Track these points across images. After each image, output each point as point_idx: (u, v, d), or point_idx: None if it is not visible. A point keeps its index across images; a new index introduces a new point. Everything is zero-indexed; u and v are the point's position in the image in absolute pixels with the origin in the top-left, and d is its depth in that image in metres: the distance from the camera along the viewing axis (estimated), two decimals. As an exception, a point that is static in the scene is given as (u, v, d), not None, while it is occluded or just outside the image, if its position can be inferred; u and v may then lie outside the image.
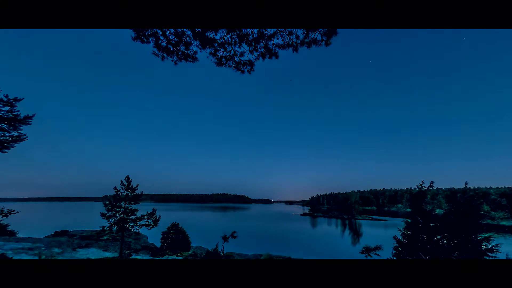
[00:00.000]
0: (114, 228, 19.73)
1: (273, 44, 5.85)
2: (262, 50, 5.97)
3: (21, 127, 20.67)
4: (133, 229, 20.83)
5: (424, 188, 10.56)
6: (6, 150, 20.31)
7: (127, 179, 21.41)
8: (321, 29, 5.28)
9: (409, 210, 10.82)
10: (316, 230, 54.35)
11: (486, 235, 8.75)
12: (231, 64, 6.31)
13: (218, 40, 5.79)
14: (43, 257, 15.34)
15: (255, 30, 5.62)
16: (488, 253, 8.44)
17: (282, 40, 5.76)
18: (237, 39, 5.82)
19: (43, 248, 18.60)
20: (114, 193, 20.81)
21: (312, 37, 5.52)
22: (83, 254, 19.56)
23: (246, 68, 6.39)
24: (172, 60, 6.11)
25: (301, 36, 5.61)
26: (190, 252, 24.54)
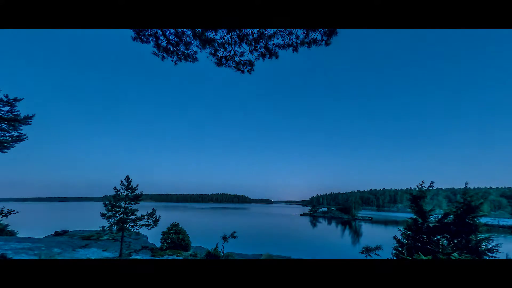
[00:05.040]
0: (114, 228, 19.73)
1: (273, 44, 5.86)
2: (262, 50, 5.98)
3: (21, 127, 20.70)
4: (133, 229, 20.83)
5: (424, 188, 10.55)
6: (6, 150, 20.34)
7: (127, 179, 21.42)
8: (321, 29, 5.28)
9: (409, 210, 10.83)
10: (316, 230, 54.36)
11: (486, 235, 8.75)
12: (231, 64, 6.32)
13: (218, 40, 5.80)
14: (43, 257, 15.34)
15: (255, 30, 5.62)
16: (488, 253, 8.44)
17: (282, 40, 5.77)
18: (237, 39, 5.82)
19: (43, 248, 18.60)
20: (114, 193, 20.82)
21: (312, 37, 5.52)
22: (83, 254, 19.55)
23: (246, 68, 6.40)
24: (172, 60, 6.12)
25: (301, 36, 5.61)
26: (190, 252, 24.54)
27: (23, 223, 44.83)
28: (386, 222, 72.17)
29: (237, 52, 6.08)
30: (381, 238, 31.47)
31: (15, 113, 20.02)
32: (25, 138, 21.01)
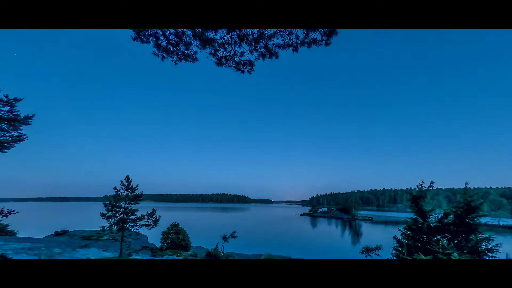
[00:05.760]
0: (114, 228, 19.73)
1: (273, 44, 5.86)
2: (262, 50, 5.98)
3: (21, 127, 20.71)
4: (133, 229, 20.83)
5: (424, 188, 10.55)
6: (6, 150, 20.34)
7: (127, 179, 21.42)
8: (321, 29, 5.28)
9: (409, 210, 10.83)
10: (316, 230, 54.37)
11: (486, 235, 8.75)
12: (231, 64, 6.32)
13: (218, 40, 5.80)
14: (43, 257, 15.34)
15: (255, 30, 5.63)
16: (488, 253, 8.44)
17: (282, 40, 5.77)
18: (237, 39, 5.82)
19: (43, 248, 18.60)
20: (114, 193, 20.82)
21: (312, 37, 5.53)
22: (83, 254, 19.55)
23: (246, 68, 6.40)
24: (172, 60, 6.12)
25: (301, 36, 5.62)
26: (190, 252, 24.55)
27: (23, 223, 44.84)
28: (386, 222, 72.17)
29: (237, 52, 6.09)
30: (381, 238, 31.47)
31: (15, 113, 20.03)
32: (25, 138, 21.01)
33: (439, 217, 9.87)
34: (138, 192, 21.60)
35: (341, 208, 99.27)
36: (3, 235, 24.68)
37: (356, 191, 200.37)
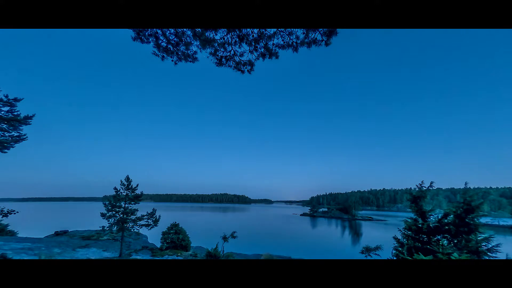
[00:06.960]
0: (114, 228, 19.74)
1: (273, 44, 5.85)
2: (262, 50, 5.97)
3: (21, 127, 20.71)
4: (133, 229, 20.83)
5: (424, 188, 10.54)
6: (6, 150, 20.35)
7: (127, 179, 21.43)
8: (321, 29, 5.28)
9: (409, 210, 10.82)
10: (316, 230, 54.36)
11: (486, 235, 8.74)
12: (231, 64, 6.31)
13: (218, 40, 5.79)
14: (43, 257, 15.34)
15: (255, 30, 5.62)
16: (488, 253, 8.44)
17: (282, 40, 5.77)
18: (237, 39, 5.82)
19: (43, 248, 18.59)
20: (114, 193, 20.81)
21: (312, 37, 5.52)
22: (83, 254, 19.55)
23: (246, 68, 6.39)
24: (172, 60, 6.11)
25: (301, 36, 5.61)
26: (190, 252, 24.54)
27: (23, 223, 44.82)
28: (386, 222, 72.15)
29: (237, 52, 6.08)
30: (381, 238, 31.46)
31: (15, 113, 20.03)
32: (25, 138, 21.02)
33: (439, 217, 9.86)
34: (138, 192, 21.61)
35: (341, 208, 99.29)
36: (3, 235, 24.67)
37: (356, 191, 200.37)
